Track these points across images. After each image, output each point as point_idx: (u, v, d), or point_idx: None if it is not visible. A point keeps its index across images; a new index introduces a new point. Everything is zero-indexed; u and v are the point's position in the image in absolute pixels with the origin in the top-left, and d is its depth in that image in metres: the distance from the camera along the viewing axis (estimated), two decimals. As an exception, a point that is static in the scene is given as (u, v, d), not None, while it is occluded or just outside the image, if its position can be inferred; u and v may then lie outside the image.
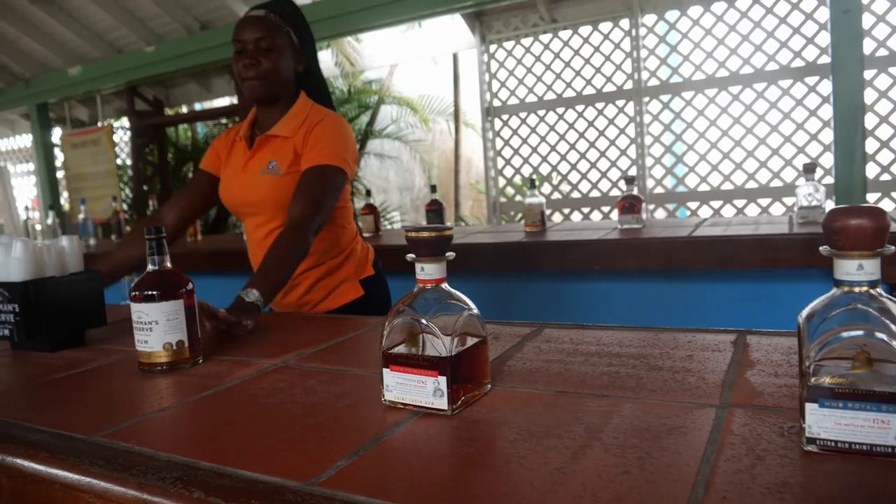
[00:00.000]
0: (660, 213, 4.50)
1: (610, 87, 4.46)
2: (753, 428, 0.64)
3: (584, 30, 4.49)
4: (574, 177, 4.70)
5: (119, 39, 5.93)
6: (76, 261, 1.23)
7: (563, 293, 2.52)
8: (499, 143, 4.90)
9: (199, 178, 1.72)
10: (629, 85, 4.38)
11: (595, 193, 4.65)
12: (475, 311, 0.76)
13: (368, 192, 3.34)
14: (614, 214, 4.58)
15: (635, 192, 2.62)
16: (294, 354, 1.03)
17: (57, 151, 6.97)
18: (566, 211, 4.78)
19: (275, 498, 0.56)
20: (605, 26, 4.42)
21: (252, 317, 1.21)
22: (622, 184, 4.48)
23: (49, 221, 4.38)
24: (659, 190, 4.40)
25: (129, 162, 7.05)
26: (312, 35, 1.67)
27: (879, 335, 0.55)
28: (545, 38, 4.65)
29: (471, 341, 0.76)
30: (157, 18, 5.50)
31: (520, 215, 4.99)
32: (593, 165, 4.62)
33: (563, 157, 4.70)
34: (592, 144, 4.58)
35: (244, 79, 1.56)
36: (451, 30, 5.28)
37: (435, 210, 2.94)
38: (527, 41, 4.71)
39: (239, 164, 1.64)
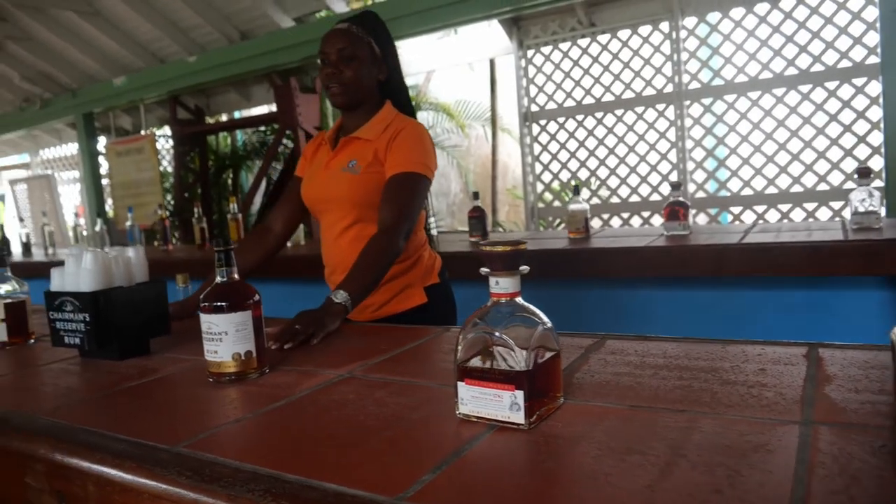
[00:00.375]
0: (701, 218, 4.44)
1: (650, 91, 4.41)
2: (842, 447, 0.63)
3: (623, 33, 4.46)
4: (613, 181, 4.66)
5: (162, 49, 6.07)
6: (142, 271, 1.26)
7: (608, 301, 2.50)
8: (536, 148, 4.89)
9: (295, 185, 1.80)
10: (669, 88, 4.33)
11: (635, 198, 4.60)
12: (549, 324, 0.76)
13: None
14: (655, 219, 4.55)
15: (681, 197, 2.58)
16: (359, 365, 1.04)
17: (102, 159, 7.16)
18: (605, 216, 4.74)
19: (366, 512, 0.57)
20: (645, 29, 4.38)
21: (337, 318, 1.30)
22: (663, 188, 4.44)
23: (97, 228, 4.50)
24: (700, 194, 4.34)
25: (170, 169, 7.20)
26: (395, 46, 1.72)
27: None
28: (583, 42, 4.62)
29: (545, 355, 0.76)
30: (199, 28, 5.62)
31: (558, 220, 4.97)
32: (633, 170, 4.57)
33: (602, 162, 4.67)
34: (632, 149, 4.54)
35: (327, 87, 1.63)
36: (488, 35, 5.28)
37: (477, 217, 2.94)
38: (565, 45, 4.69)
39: (322, 162, 1.71)
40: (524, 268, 0.75)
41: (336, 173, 1.66)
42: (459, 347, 0.76)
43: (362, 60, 1.62)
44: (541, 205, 4.98)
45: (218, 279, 1.02)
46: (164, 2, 5.37)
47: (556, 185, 4.93)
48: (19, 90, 7.11)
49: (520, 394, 0.71)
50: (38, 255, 4.64)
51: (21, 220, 5.95)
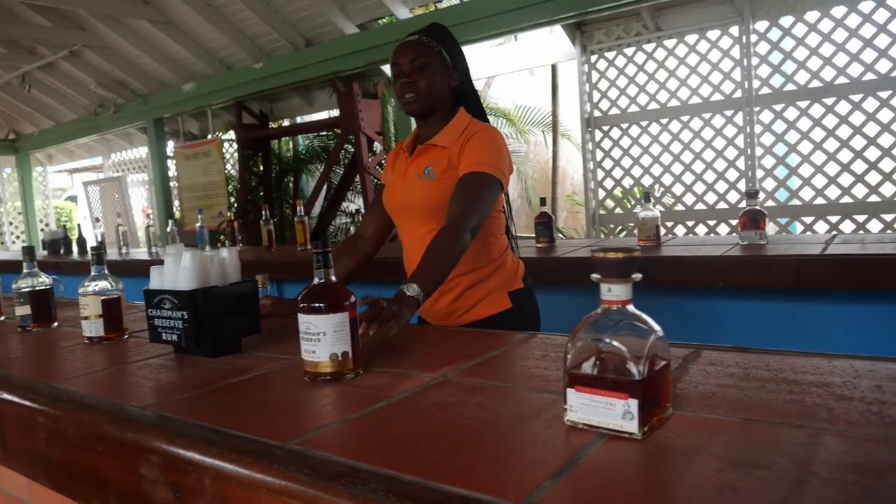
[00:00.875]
0: (770, 228, 4.31)
1: (717, 97, 4.32)
2: None
3: (691, 38, 4.37)
4: (678, 189, 4.57)
5: (229, 56, 6.25)
6: (235, 271, 1.30)
7: (679, 310, 2.45)
8: (599, 154, 4.83)
9: (380, 192, 1.86)
10: (738, 94, 4.23)
11: (700, 206, 4.50)
12: (661, 333, 0.75)
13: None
14: (721, 228, 4.44)
15: (757, 206, 2.51)
16: (451, 368, 1.05)
17: (170, 163, 7.41)
18: (669, 224, 4.65)
19: (494, 516, 0.57)
20: (714, 33, 4.29)
21: (409, 310, 1.30)
22: (731, 196, 4.33)
23: (168, 229, 4.65)
24: (770, 203, 4.21)
25: (234, 173, 7.40)
26: (463, 54, 1.76)
27: None
28: (648, 47, 4.55)
29: (659, 364, 0.75)
30: (266, 36, 5.76)
31: (619, 228, 4.90)
32: (699, 177, 4.48)
33: (667, 169, 4.59)
34: (698, 156, 4.44)
35: (402, 96, 1.68)
36: (550, 40, 5.26)
37: (544, 223, 2.93)
38: (629, 50, 4.63)
39: (400, 170, 1.76)
40: (637, 275, 0.75)
41: (413, 181, 1.70)
42: (569, 354, 0.76)
43: (434, 69, 1.67)
44: (602, 212, 4.92)
45: (316, 280, 1.04)
46: (233, 10, 5.54)
47: (618, 191, 4.87)
48: (95, 96, 7.43)
49: (634, 402, 0.71)
50: (112, 254, 4.83)
51: (97, 220, 6.20)
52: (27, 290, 1.71)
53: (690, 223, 4.56)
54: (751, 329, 2.32)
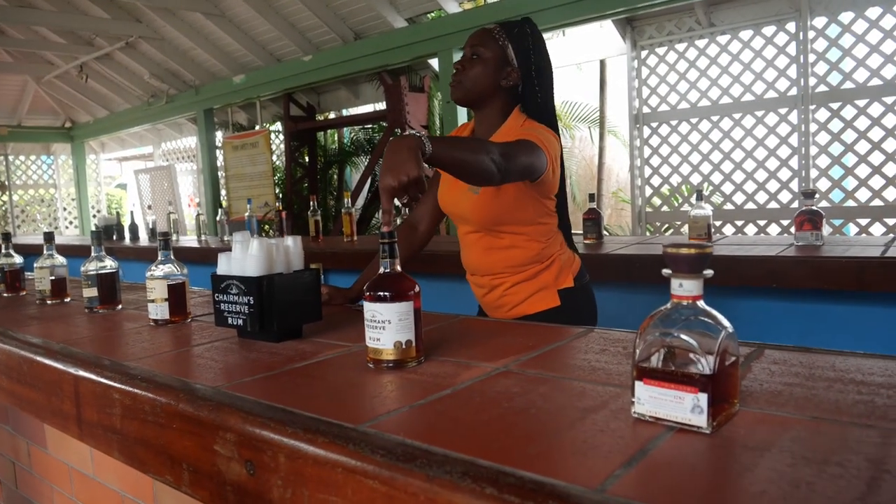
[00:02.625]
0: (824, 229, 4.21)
1: (771, 94, 4.23)
2: None
3: (745, 33, 4.29)
4: (727, 188, 4.50)
5: (279, 49, 6.35)
6: (299, 259, 1.33)
7: (731, 310, 2.41)
8: (646, 151, 4.78)
9: (433, 183, 1.84)
10: (794, 91, 4.14)
11: (750, 206, 4.42)
12: (731, 329, 0.76)
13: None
14: (772, 228, 4.35)
15: (814, 206, 2.46)
16: (512, 360, 1.07)
17: (218, 153, 7.57)
18: (717, 223, 4.58)
19: (570, 501, 0.58)
20: (769, 29, 4.20)
21: (412, 153, 1.18)
22: (783, 195, 4.23)
23: (218, 218, 4.77)
24: (824, 204, 4.11)
25: (280, 163, 7.53)
26: (544, 59, 1.71)
27: None
28: (701, 42, 4.49)
29: (728, 360, 0.75)
30: (316, 29, 5.84)
31: (666, 225, 4.84)
32: (749, 176, 4.40)
33: (717, 167, 4.52)
34: (749, 154, 4.37)
35: (451, 81, 1.70)
36: (599, 36, 5.21)
37: (593, 219, 2.92)
38: (681, 46, 4.57)
39: None
40: (709, 271, 0.75)
41: (463, 191, 1.68)
42: (638, 346, 0.77)
43: (487, 62, 1.65)
44: (648, 209, 4.87)
45: (381, 270, 1.06)
46: (284, 3, 5.63)
47: (665, 189, 4.81)
48: (148, 86, 7.63)
49: (703, 397, 0.71)
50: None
51: (149, 207, 6.38)
52: (94, 272, 1.78)
53: (740, 222, 4.49)
54: (805, 331, 2.28)
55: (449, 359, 1.10)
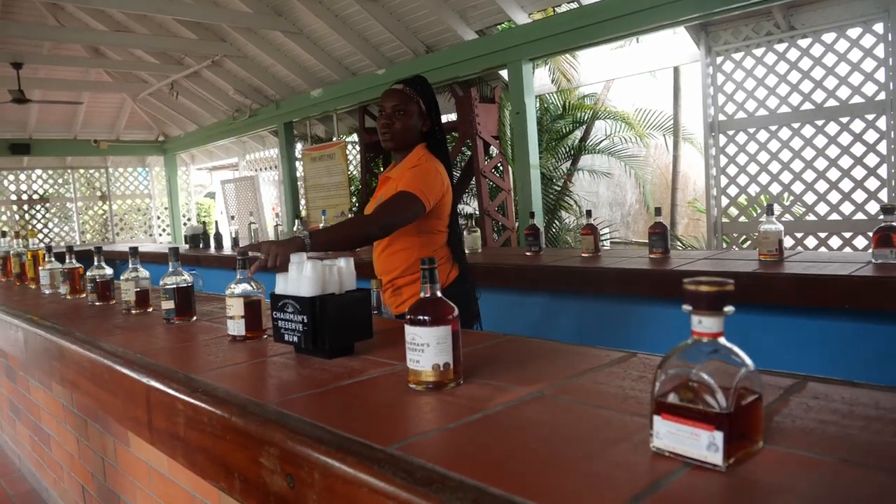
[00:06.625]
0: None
1: (857, 99, 4.02)
2: None
3: (828, 36, 4.10)
4: (809, 198, 4.30)
5: (354, 63, 6.54)
6: (350, 279, 1.40)
7: (797, 332, 2.33)
8: (723, 160, 4.64)
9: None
10: (882, 96, 3.92)
11: (834, 217, 4.21)
12: (752, 366, 0.76)
13: (589, 213, 3.33)
14: (858, 241, 4.13)
15: (894, 222, 2.33)
16: (548, 384, 1.09)
17: (298, 164, 7.86)
18: (799, 235, 4.39)
19: (570, 535, 0.61)
20: (854, 31, 4.00)
21: (293, 247, 1.69)
22: (870, 206, 4.02)
23: (295, 228, 4.95)
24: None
25: (356, 174, 7.73)
26: (436, 101, 2.14)
27: None
28: (780, 47, 4.32)
29: (748, 397, 0.75)
30: (389, 43, 5.99)
31: (743, 237, 4.68)
32: (834, 186, 4.19)
33: (798, 176, 4.33)
34: (834, 163, 4.16)
35: (381, 134, 2.10)
36: (673, 42, 5.10)
37: (659, 234, 2.87)
38: (759, 51, 4.41)
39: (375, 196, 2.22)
40: (730, 308, 0.75)
41: (372, 207, 2.14)
42: (658, 381, 0.78)
43: (409, 115, 2.05)
44: (725, 220, 4.72)
45: (422, 294, 1.11)
46: (358, 20, 5.80)
47: (742, 199, 4.65)
48: (232, 101, 8.02)
49: (719, 434, 0.72)
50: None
51: (232, 217, 6.69)
52: (172, 286, 1.91)
53: (823, 235, 4.28)
54: (882, 356, 2.17)
55: (488, 381, 1.13)
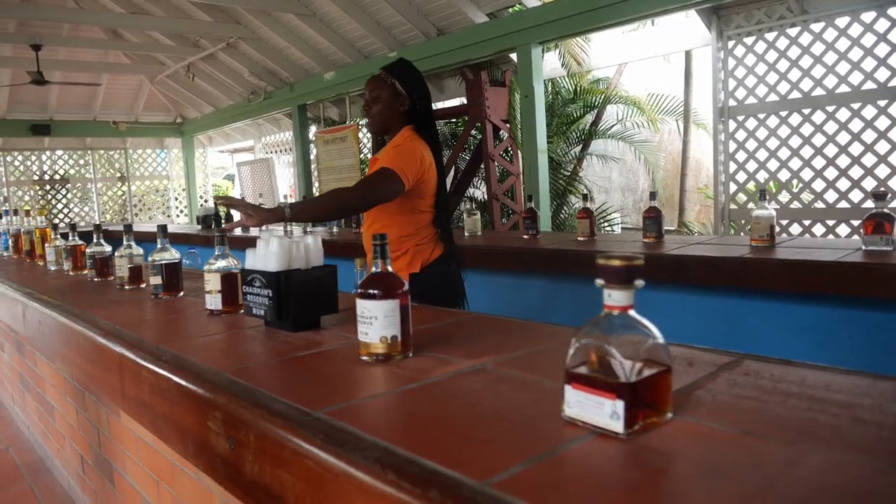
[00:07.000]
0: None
1: (870, 85, 3.96)
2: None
3: (842, 20, 4.03)
4: (819, 185, 4.25)
5: (367, 46, 6.55)
6: (317, 255, 1.43)
7: (781, 318, 2.32)
8: (732, 146, 4.59)
9: None
10: (894, 82, 3.85)
11: (844, 205, 4.16)
12: (661, 339, 0.78)
13: (586, 196, 3.33)
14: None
15: (885, 209, 2.31)
16: (492, 358, 1.11)
17: (311, 146, 7.91)
18: (807, 222, 4.34)
19: (452, 492, 0.64)
20: (868, 15, 3.93)
21: (268, 215, 1.93)
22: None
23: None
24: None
25: (367, 157, 7.77)
26: (420, 83, 2.23)
27: None
28: (792, 31, 4.25)
29: (654, 369, 0.77)
30: (401, 26, 5.99)
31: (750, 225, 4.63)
32: (843, 173, 4.13)
33: (807, 163, 4.27)
34: (844, 149, 4.10)
35: (365, 118, 2.27)
36: (685, 26, 5.04)
37: (653, 218, 2.85)
38: (770, 35, 4.34)
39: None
40: (639, 282, 0.77)
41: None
42: (570, 352, 0.80)
43: (385, 100, 2.17)
44: (733, 206, 4.68)
45: (373, 269, 1.14)
46: (371, 2, 5.80)
47: (751, 185, 4.60)
48: (248, 84, 8.08)
49: (620, 403, 0.74)
50: (254, 230, 5.27)
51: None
52: (160, 263, 1.96)
53: (831, 222, 4.23)
54: (871, 343, 2.16)
55: (436, 355, 1.16)
